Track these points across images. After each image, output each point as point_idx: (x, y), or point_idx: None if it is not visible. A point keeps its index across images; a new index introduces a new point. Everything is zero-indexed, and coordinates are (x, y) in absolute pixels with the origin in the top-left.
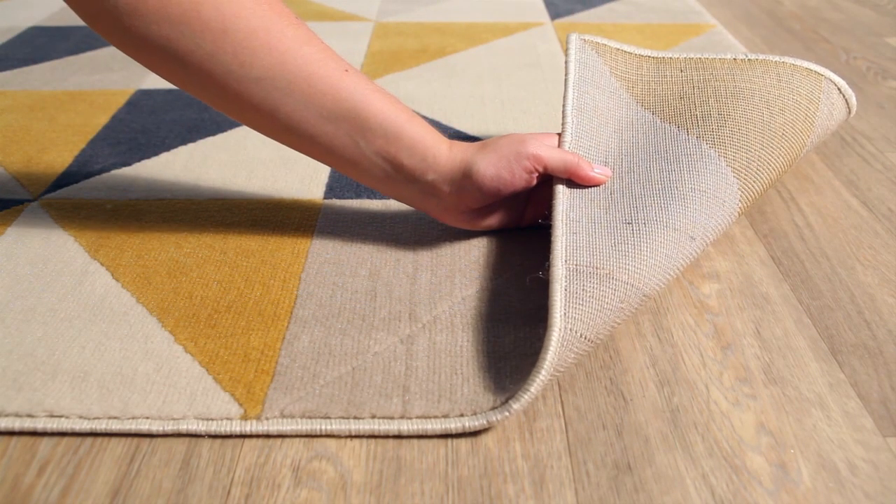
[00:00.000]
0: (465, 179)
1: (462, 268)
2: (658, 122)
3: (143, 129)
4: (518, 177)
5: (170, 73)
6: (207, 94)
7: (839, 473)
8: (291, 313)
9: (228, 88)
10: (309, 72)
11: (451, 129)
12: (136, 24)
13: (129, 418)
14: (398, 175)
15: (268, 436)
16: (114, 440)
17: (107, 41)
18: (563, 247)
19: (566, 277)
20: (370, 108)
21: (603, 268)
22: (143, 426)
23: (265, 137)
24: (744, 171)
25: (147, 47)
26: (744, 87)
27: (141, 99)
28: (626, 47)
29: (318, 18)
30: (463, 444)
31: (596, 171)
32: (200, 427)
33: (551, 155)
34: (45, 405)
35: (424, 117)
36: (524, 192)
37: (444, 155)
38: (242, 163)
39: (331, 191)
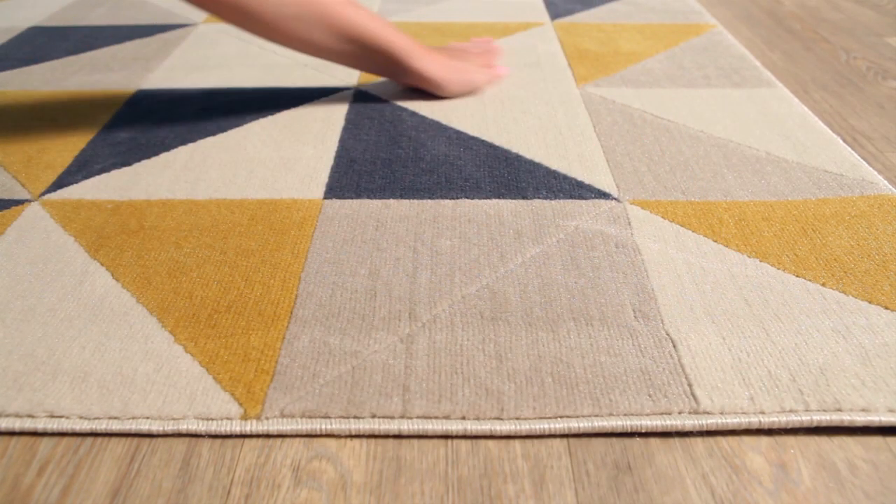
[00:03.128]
0: (432, 85)
1: (462, 267)
2: None
3: (143, 129)
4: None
5: (227, 13)
6: (262, 29)
7: (839, 473)
8: (291, 313)
9: (276, 24)
10: (328, 11)
11: (451, 128)
12: None
13: (129, 418)
14: (390, 74)
15: (268, 435)
16: (114, 440)
17: None
18: None
19: None
20: (370, 36)
21: None
22: (143, 426)
23: (265, 138)
24: None
25: None
26: None
27: (141, 99)
28: None
29: None
30: (463, 444)
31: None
32: (200, 427)
33: (485, 82)
34: (45, 405)
35: (425, 118)
36: None
37: (419, 67)
38: (242, 163)
39: (331, 191)
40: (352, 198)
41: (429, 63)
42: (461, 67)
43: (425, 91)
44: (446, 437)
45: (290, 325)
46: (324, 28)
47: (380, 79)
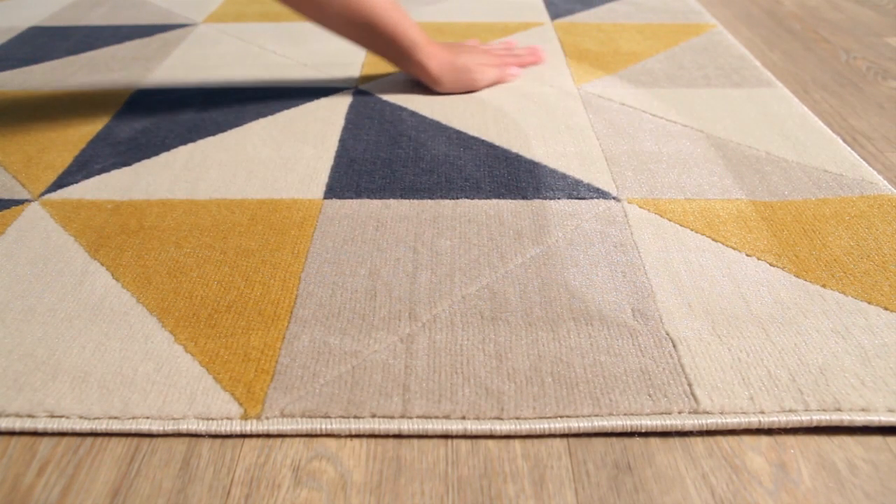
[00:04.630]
0: (430, 80)
1: (462, 267)
2: None
3: (143, 129)
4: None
5: None
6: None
7: (839, 473)
8: (291, 313)
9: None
10: None
11: (451, 128)
12: None
13: (129, 418)
14: (391, 59)
15: (268, 435)
16: (114, 440)
17: None
18: None
19: None
20: (378, 20)
21: None
22: (143, 426)
23: (265, 138)
24: None
25: None
26: None
27: (141, 99)
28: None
29: None
30: (463, 444)
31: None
32: (200, 427)
33: (487, 82)
34: (45, 405)
35: (425, 118)
36: None
37: (421, 60)
38: (242, 163)
39: (331, 191)
40: (352, 198)
41: (430, 58)
42: (462, 67)
43: (424, 85)
44: (446, 437)
45: (290, 324)
46: (338, 5)
47: (380, 79)
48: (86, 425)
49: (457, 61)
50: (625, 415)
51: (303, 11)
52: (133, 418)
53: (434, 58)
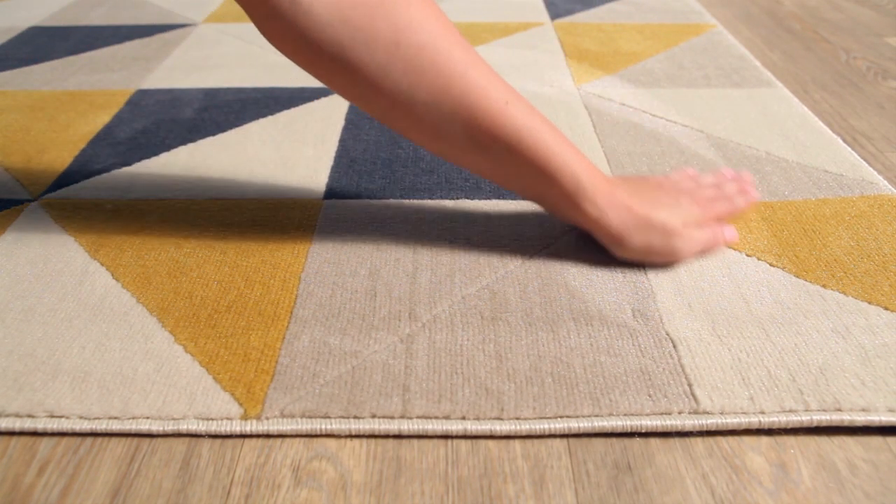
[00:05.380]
0: (608, 240)
1: (462, 267)
2: None
3: (143, 129)
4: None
5: (343, 86)
6: (377, 109)
7: (839, 473)
8: (291, 313)
9: (397, 106)
10: (471, 101)
11: None
12: (311, 25)
13: (129, 418)
14: (543, 203)
15: (268, 435)
16: (114, 440)
17: (278, 49)
18: None
19: None
20: (525, 147)
21: None
22: (143, 426)
23: (265, 138)
24: None
25: (321, 54)
26: None
27: (141, 99)
28: None
29: None
30: (463, 444)
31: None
32: (200, 427)
33: (693, 254)
34: (45, 405)
35: None
36: None
37: (592, 212)
38: (242, 163)
39: (331, 191)
40: (352, 198)
41: (607, 207)
42: (660, 226)
43: (591, 238)
44: (446, 437)
45: (290, 325)
46: (465, 124)
47: None
48: (86, 425)
49: (652, 216)
50: (625, 415)
51: (397, 123)
52: (133, 418)
53: (614, 206)
